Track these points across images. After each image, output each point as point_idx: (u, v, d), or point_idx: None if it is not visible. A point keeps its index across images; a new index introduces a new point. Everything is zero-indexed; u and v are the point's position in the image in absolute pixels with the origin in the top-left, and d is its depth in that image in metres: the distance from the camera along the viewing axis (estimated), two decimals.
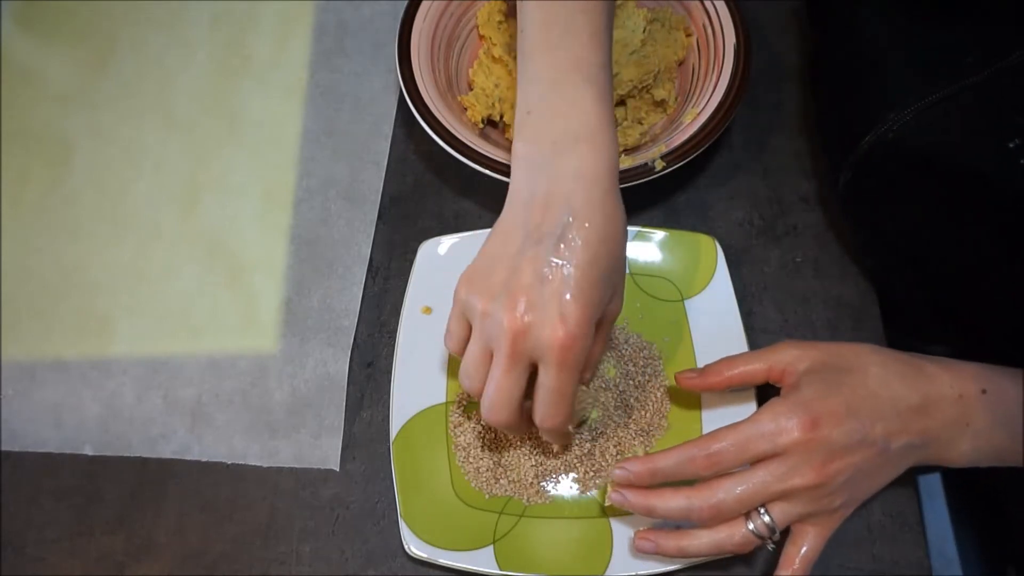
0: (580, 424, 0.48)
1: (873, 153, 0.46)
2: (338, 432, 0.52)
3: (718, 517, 0.41)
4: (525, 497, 0.48)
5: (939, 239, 0.47)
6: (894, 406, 0.41)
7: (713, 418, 0.49)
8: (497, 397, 0.40)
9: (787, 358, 0.43)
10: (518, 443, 0.49)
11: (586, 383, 0.48)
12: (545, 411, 0.40)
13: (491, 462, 0.49)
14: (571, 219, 0.39)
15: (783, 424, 0.40)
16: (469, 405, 0.51)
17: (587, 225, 0.39)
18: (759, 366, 0.44)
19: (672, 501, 0.42)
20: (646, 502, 0.42)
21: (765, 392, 0.46)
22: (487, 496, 0.48)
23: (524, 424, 0.43)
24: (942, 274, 0.49)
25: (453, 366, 0.51)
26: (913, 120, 0.44)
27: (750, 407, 0.48)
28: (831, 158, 0.52)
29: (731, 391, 0.48)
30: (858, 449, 0.40)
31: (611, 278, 0.40)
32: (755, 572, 0.47)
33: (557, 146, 0.40)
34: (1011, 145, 0.40)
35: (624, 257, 0.42)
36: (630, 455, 0.48)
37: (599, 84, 0.42)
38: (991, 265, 0.45)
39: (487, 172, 0.52)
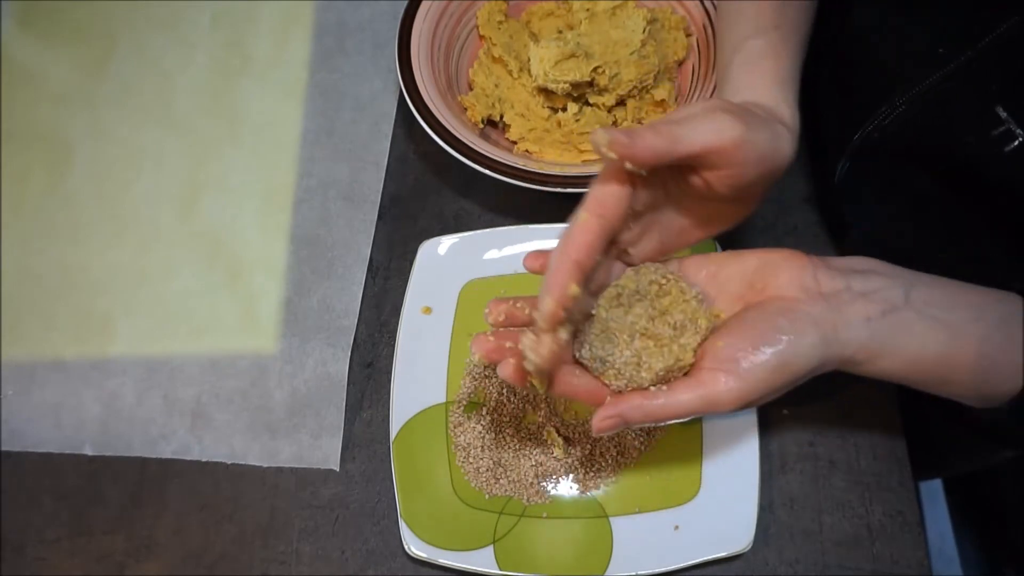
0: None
1: (867, 146, 0.46)
2: (338, 432, 0.52)
3: None
4: (525, 497, 0.48)
5: (930, 232, 0.47)
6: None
7: (712, 419, 0.49)
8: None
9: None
10: (518, 443, 0.49)
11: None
12: None
13: (491, 462, 0.49)
14: None
15: None
16: (469, 405, 0.51)
17: None
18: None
19: None
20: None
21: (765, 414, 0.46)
22: (487, 496, 0.48)
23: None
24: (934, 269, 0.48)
25: (453, 366, 0.51)
26: (905, 111, 0.43)
27: (750, 416, 0.48)
28: (828, 154, 0.51)
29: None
30: None
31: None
32: (755, 572, 0.47)
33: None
34: (994, 133, 0.39)
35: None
36: (629, 454, 0.49)
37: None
38: (982, 259, 0.45)
39: (487, 172, 0.52)
